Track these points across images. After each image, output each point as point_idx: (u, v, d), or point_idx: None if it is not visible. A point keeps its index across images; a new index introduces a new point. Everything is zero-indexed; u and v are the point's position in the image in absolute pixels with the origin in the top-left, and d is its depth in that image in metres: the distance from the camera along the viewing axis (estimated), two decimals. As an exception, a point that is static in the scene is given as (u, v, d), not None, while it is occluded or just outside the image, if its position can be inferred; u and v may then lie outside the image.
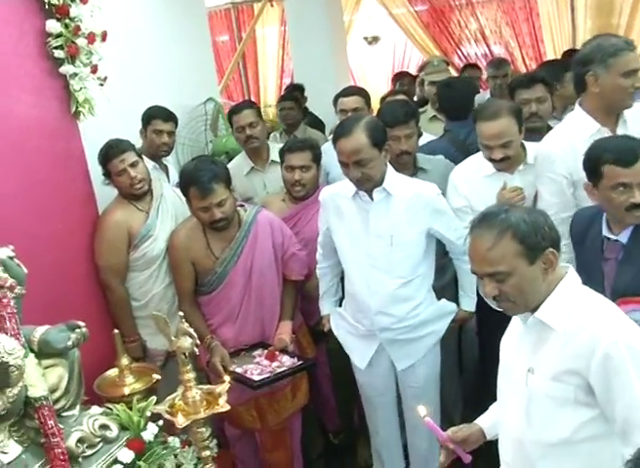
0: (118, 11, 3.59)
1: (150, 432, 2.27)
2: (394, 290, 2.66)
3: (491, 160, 2.77)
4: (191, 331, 2.04)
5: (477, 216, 1.71)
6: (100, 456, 2.19)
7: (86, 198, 3.00)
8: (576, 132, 2.58)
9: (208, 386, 2.21)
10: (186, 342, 2.02)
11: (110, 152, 2.95)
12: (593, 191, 2.22)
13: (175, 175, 3.52)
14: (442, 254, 2.91)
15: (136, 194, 3.02)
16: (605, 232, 2.23)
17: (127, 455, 2.17)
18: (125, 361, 2.70)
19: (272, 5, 8.20)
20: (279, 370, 2.70)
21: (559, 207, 2.57)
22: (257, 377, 2.65)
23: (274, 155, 3.57)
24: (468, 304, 2.87)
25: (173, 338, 2.06)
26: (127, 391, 2.63)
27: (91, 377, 2.70)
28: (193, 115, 4.42)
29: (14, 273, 2.31)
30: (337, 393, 3.44)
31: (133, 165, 2.97)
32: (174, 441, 2.32)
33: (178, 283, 2.95)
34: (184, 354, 2.04)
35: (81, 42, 2.74)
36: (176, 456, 2.34)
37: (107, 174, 3.00)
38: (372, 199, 2.62)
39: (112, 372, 2.75)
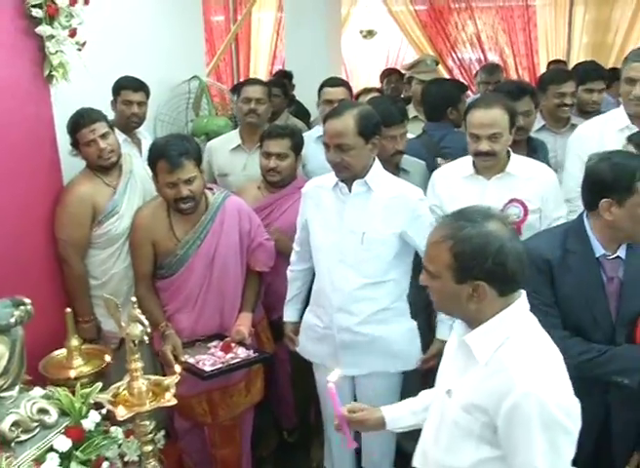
0: None
1: (91, 420, 2.15)
2: (358, 288, 2.54)
3: (475, 154, 2.66)
4: (142, 318, 1.92)
5: (455, 211, 1.64)
6: (36, 442, 2.07)
7: (51, 167, 2.86)
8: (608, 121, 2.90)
9: (156, 377, 2.09)
10: (136, 330, 1.91)
11: (81, 121, 2.82)
12: (611, 209, 2.05)
13: (145, 144, 3.39)
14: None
15: (104, 165, 2.89)
16: (601, 251, 2.13)
17: (64, 443, 2.05)
18: (75, 342, 2.58)
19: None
20: (232, 362, 2.58)
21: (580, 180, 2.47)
22: (208, 368, 2.53)
23: None
24: (444, 332, 2.58)
25: (123, 324, 1.94)
26: (73, 374, 2.51)
27: (37, 357, 2.58)
28: (176, 92, 4.28)
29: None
30: (295, 390, 3.35)
31: (103, 136, 2.84)
32: (116, 431, 2.21)
33: (135, 264, 2.83)
34: (133, 342, 1.93)
35: (61, 2, 2.60)
36: (119, 446, 2.24)
37: (75, 143, 2.86)
38: (350, 191, 2.52)
39: (60, 353, 2.63)
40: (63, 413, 2.20)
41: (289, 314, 2.89)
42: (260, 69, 8.67)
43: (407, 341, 2.65)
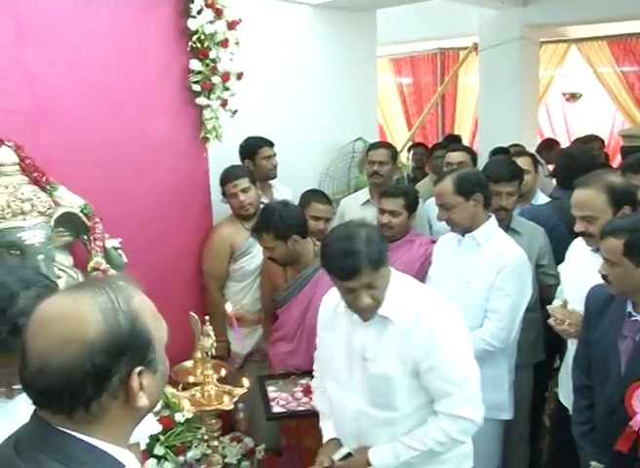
0: (290, 53, 4.20)
1: (183, 415, 2.64)
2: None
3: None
4: (212, 333, 2.37)
5: None
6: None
7: (204, 211, 3.51)
8: None
9: (229, 386, 2.51)
10: (207, 343, 2.36)
11: (227, 177, 3.39)
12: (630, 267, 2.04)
13: (278, 196, 3.82)
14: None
15: (243, 215, 3.43)
16: (629, 308, 2.13)
17: (155, 428, 2.55)
18: (199, 354, 3.11)
19: (477, 53, 8.35)
20: (297, 409, 2.79)
21: None
22: (276, 409, 2.79)
23: None
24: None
25: (201, 337, 2.41)
26: (192, 379, 3.03)
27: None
28: (342, 152, 4.79)
29: (113, 260, 2.87)
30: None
31: (244, 190, 3.37)
32: (202, 431, 2.66)
33: (261, 292, 3.34)
34: (206, 353, 2.38)
35: (215, 79, 3.25)
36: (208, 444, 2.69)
37: (224, 193, 3.45)
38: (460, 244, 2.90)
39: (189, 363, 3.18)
40: (167, 406, 2.74)
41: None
42: (465, 130, 8.93)
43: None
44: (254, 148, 3.73)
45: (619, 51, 7.47)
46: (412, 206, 3.38)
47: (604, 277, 2.14)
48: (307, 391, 2.88)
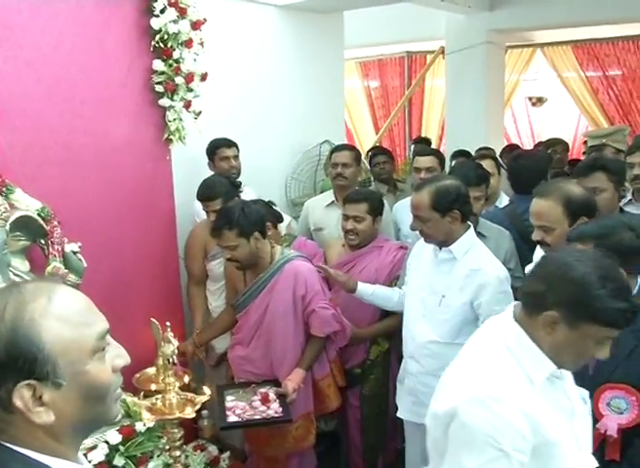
0: (255, 55, 4.15)
1: (144, 424, 2.57)
2: (429, 342, 2.73)
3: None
4: (174, 340, 2.32)
5: None
6: (97, 434, 2.54)
7: (166, 213, 3.45)
8: None
9: (191, 394, 2.46)
10: (168, 349, 2.30)
11: (202, 195, 3.35)
12: None
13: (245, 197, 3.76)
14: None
15: None
16: None
17: (114, 438, 2.49)
18: (160, 361, 3.04)
19: (444, 57, 8.40)
20: (250, 419, 2.78)
21: None
22: (231, 418, 2.76)
23: None
24: None
25: (162, 344, 2.36)
26: (154, 387, 2.96)
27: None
28: (309, 155, 4.76)
29: (72, 265, 2.79)
30: (364, 438, 3.52)
31: (216, 211, 3.25)
32: (163, 441, 2.60)
33: (226, 296, 3.35)
34: (168, 360, 2.32)
35: (179, 80, 3.19)
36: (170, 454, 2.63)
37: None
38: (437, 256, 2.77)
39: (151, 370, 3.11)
40: (128, 415, 2.66)
41: None
42: (432, 134, 8.97)
43: None
44: (212, 148, 3.72)
45: (583, 56, 7.60)
46: (376, 209, 3.32)
47: None
48: (265, 399, 2.87)
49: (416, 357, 2.79)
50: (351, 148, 4.06)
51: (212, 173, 3.68)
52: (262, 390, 2.92)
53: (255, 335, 3.03)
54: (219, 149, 3.72)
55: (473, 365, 1.65)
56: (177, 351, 2.35)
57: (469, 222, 2.76)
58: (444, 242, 2.69)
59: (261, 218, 2.96)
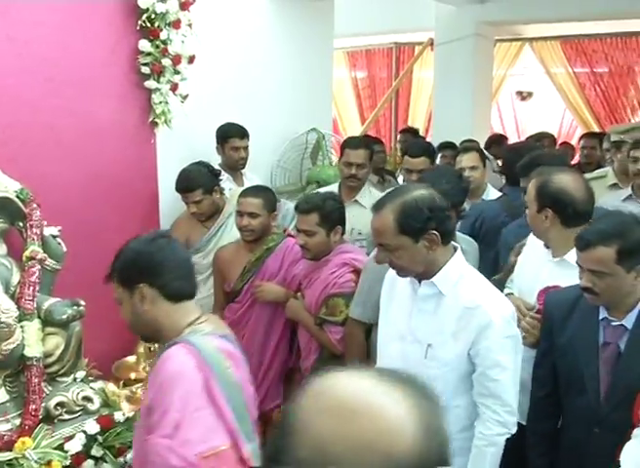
0: (244, 39, 4.05)
1: (122, 413, 2.51)
2: None
3: None
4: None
5: None
6: (75, 423, 2.48)
7: (149, 198, 3.37)
8: None
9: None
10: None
11: (180, 186, 3.28)
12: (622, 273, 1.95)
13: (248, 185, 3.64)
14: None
15: (198, 219, 3.36)
16: (604, 314, 2.04)
17: (93, 427, 2.42)
18: (141, 349, 2.98)
19: (432, 49, 8.36)
20: None
21: None
22: None
23: (359, 196, 3.57)
24: None
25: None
26: (133, 376, 2.91)
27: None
28: (295, 143, 4.69)
29: (51, 249, 2.70)
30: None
31: (196, 202, 3.24)
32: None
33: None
34: (149, 348, 2.26)
35: (166, 62, 3.10)
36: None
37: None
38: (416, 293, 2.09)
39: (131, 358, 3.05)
40: (107, 405, 2.59)
41: None
42: (418, 125, 8.91)
43: None
44: (224, 136, 3.65)
45: (571, 51, 7.60)
46: (330, 220, 2.81)
47: (587, 289, 1.99)
48: None
49: None
50: (366, 145, 3.67)
51: (196, 160, 3.47)
52: None
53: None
54: (231, 139, 3.66)
55: None
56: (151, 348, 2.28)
57: (454, 243, 2.08)
58: (423, 274, 2.00)
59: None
